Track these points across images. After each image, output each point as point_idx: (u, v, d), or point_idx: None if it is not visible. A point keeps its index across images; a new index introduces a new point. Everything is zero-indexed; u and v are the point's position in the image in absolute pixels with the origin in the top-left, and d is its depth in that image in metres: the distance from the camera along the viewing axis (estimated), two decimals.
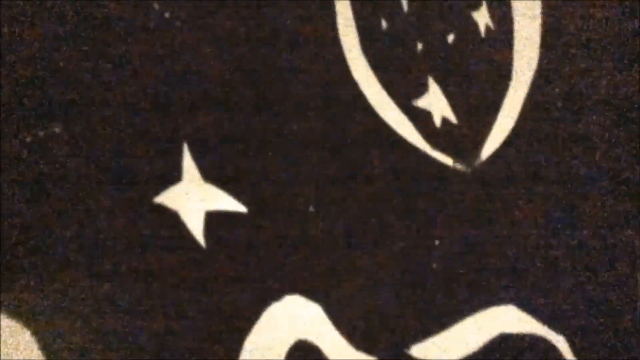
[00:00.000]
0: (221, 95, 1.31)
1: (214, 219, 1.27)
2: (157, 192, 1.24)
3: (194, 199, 1.26)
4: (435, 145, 1.49)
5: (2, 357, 1.10)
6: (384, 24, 1.47)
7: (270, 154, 1.35)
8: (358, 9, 1.45)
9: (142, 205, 1.23)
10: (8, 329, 1.11)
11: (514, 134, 1.58)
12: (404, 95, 1.48)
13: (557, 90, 1.62)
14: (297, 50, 1.39)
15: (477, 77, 1.55)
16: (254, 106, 1.34)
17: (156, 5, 1.26)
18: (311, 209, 1.37)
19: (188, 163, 1.26)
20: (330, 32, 1.43)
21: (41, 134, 1.16)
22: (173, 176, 1.25)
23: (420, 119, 1.49)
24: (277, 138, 1.36)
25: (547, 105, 1.61)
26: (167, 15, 1.26)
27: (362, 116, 1.45)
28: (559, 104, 1.62)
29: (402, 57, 1.48)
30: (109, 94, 1.21)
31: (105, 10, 1.22)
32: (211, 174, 1.28)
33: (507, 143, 1.57)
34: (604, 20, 1.66)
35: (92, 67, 1.20)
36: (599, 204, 1.64)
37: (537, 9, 1.61)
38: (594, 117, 1.67)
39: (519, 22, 1.60)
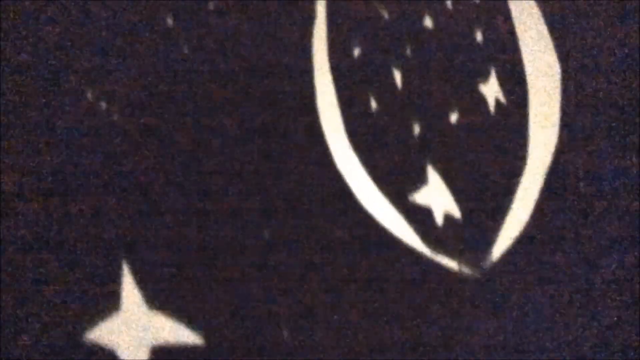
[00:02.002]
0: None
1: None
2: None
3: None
4: (436, 247, 1.24)
5: None
6: (373, 103, 1.22)
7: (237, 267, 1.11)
8: (341, 85, 1.21)
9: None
10: None
11: (529, 228, 1.32)
12: (399, 189, 1.23)
13: (579, 175, 1.36)
14: (270, 136, 1.16)
15: (486, 163, 1.29)
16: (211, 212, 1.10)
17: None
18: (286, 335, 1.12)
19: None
20: (308, 113, 1.19)
21: None
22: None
23: (419, 216, 1.24)
24: (245, 248, 1.12)
25: (567, 194, 1.36)
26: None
27: (348, 215, 1.20)
28: (582, 191, 1.37)
29: (396, 143, 1.23)
30: None
31: None
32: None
33: (522, 240, 1.32)
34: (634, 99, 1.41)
35: None
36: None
37: (556, 80, 1.35)
38: (621, 202, 1.41)
39: (534, 95, 1.35)
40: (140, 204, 1.06)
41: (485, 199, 1.29)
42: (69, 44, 1.04)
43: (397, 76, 1.24)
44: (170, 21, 1.10)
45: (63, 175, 1.04)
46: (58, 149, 1.04)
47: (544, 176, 1.34)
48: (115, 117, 1.07)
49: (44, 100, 1.03)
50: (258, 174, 1.16)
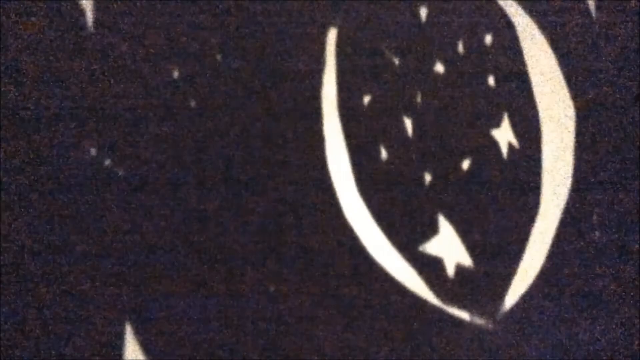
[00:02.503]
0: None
1: None
2: None
3: None
4: (448, 298, 1.22)
5: None
6: (383, 152, 1.20)
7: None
8: (351, 133, 1.18)
9: None
10: None
11: (543, 275, 1.30)
12: (409, 239, 1.20)
13: (592, 220, 1.34)
14: (277, 186, 1.13)
15: (498, 210, 1.27)
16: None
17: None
18: None
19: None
20: (316, 162, 1.16)
21: None
22: None
23: (430, 267, 1.21)
24: (251, 300, 1.10)
25: (581, 240, 1.33)
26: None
27: (357, 265, 1.18)
28: (596, 234, 1.34)
29: (406, 192, 1.21)
30: None
31: None
32: None
33: (535, 287, 1.29)
34: None
35: None
36: None
37: (570, 123, 1.33)
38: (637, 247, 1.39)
39: (548, 138, 1.32)
40: (145, 265, 1.03)
41: (497, 247, 1.26)
42: (71, 99, 1.02)
43: (408, 123, 1.22)
44: (176, 73, 1.08)
45: (65, 235, 1.02)
46: (60, 203, 1.02)
47: (558, 222, 1.31)
48: (120, 172, 1.04)
49: (46, 154, 1.01)
50: (265, 225, 1.14)
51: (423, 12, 1.24)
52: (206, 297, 1.05)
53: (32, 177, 1.01)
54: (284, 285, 1.13)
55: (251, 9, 1.14)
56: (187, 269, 1.05)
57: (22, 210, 1.00)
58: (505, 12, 1.30)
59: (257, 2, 1.14)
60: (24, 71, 1.01)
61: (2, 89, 0.99)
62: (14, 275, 0.99)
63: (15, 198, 1.00)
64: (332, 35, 1.19)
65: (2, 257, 0.98)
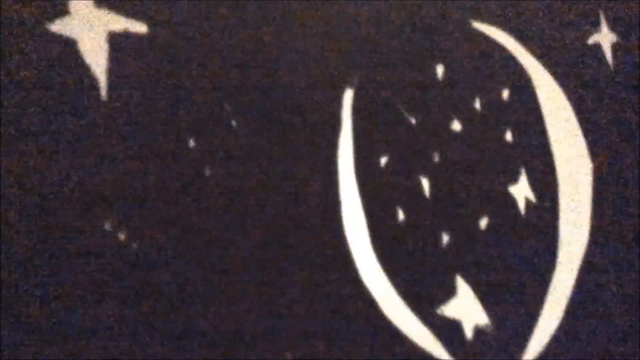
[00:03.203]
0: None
1: None
2: None
3: None
4: None
5: None
6: (400, 214, 1.18)
7: None
8: (367, 194, 1.17)
9: None
10: None
11: (560, 332, 1.28)
12: (427, 302, 1.19)
13: (609, 276, 1.32)
14: (293, 248, 1.11)
15: (515, 268, 1.25)
16: None
17: None
18: None
19: None
20: (332, 225, 1.14)
21: None
22: None
23: (447, 330, 1.19)
24: None
25: (600, 293, 1.31)
26: None
27: (375, 329, 1.16)
28: (613, 290, 1.32)
29: (424, 254, 1.19)
30: None
31: None
32: None
33: (553, 344, 1.27)
34: None
35: None
36: None
37: (587, 177, 1.31)
38: None
39: (565, 192, 1.31)
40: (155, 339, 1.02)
41: (515, 307, 1.24)
42: (87, 171, 1.00)
43: (425, 183, 1.20)
44: (192, 142, 1.06)
45: (76, 307, 1.00)
46: (73, 275, 1.00)
47: (575, 278, 1.29)
48: (134, 245, 1.03)
49: (61, 227, 0.99)
50: (280, 287, 1.12)
51: (440, 70, 1.23)
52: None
53: (47, 248, 0.99)
54: (301, 349, 1.12)
55: (267, 71, 1.12)
56: (204, 345, 1.03)
57: (32, 279, 0.99)
58: (522, 65, 1.29)
59: (272, 65, 1.12)
60: (38, 142, 0.99)
61: (18, 158, 0.98)
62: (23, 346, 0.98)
63: (29, 266, 0.98)
64: (348, 96, 1.17)
65: (11, 325, 0.97)
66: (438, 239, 1.20)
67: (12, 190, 0.97)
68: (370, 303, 1.16)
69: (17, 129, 0.98)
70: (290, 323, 1.11)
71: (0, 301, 0.95)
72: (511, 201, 1.26)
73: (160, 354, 1.00)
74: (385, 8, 1.20)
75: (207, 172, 1.07)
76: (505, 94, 1.27)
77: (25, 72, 0.98)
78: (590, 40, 1.33)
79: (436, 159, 1.21)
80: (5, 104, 0.98)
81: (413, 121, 1.20)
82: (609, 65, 1.34)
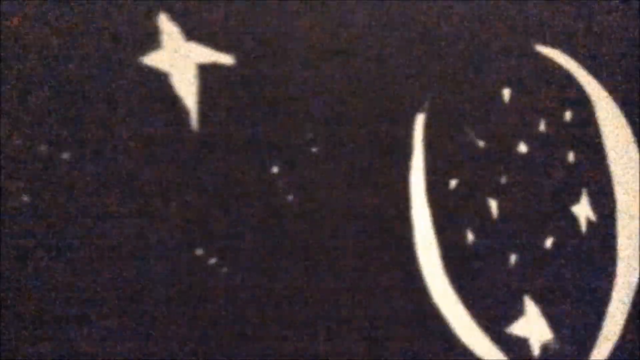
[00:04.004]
0: None
1: None
2: None
3: None
4: None
5: None
6: (470, 236, 1.21)
7: None
8: (438, 217, 1.20)
9: None
10: None
11: (619, 347, 1.31)
12: (496, 321, 1.22)
13: None
14: (365, 270, 1.15)
15: (578, 285, 1.28)
16: None
17: None
18: None
19: None
20: (404, 246, 1.18)
21: None
22: None
23: (516, 348, 1.23)
24: None
25: None
26: None
27: (445, 348, 1.19)
28: None
29: (493, 274, 1.22)
30: None
31: None
32: None
33: (615, 356, 1.31)
34: None
35: None
36: None
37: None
38: None
39: (623, 208, 1.34)
40: None
41: (578, 322, 1.28)
42: (178, 197, 1.03)
43: (493, 205, 1.23)
44: (275, 169, 1.10)
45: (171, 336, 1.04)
46: (160, 301, 1.03)
47: (633, 293, 1.33)
48: (224, 270, 1.06)
49: (154, 255, 1.02)
50: (353, 311, 1.15)
51: (506, 93, 1.26)
52: None
53: (143, 274, 1.02)
54: None
55: (343, 99, 1.15)
56: None
57: (126, 301, 1.02)
58: (583, 87, 1.32)
59: (348, 93, 1.15)
60: (133, 172, 1.02)
61: (114, 186, 1.01)
62: None
63: (116, 301, 1.01)
64: (419, 120, 1.20)
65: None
66: (506, 259, 1.23)
67: (109, 222, 1.00)
68: (440, 322, 1.19)
69: (113, 159, 1.01)
70: (361, 340, 1.14)
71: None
72: (573, 221, 1.29)
73: None
74: (453, 34, 1.23)
75: (290, 198, 1.10)
76: (568, 115, 1.30)
77: (120, 105, 1.01)
78: None
79: (503, 180, 1.24)
80: (100, 133, 1.01)
81: (481, 144, 1.23)
82: None
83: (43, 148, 0.95)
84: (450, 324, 1.19)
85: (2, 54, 0.95)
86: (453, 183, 1.21)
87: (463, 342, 1.20)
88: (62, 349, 0.99)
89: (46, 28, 0.98)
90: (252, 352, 1.06)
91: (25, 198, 0.94)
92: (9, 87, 0.96)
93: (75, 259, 0.98)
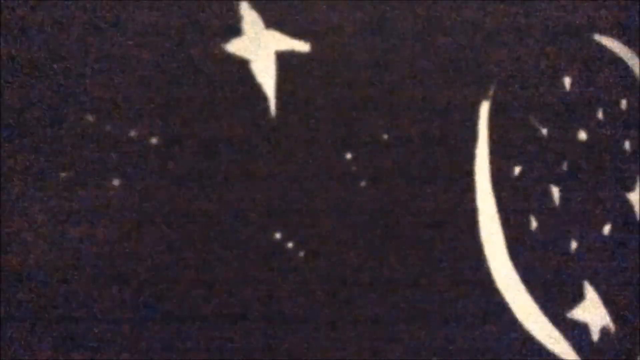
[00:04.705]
0: None
1: None
2: None
3: None
4: None
5: None
6: (533, 222, 1.23)
7: None
8: (502, 204, 1.21)
9: None
10: None
11: None
12: (557, 306, 1.24)
13: None
14: (430, 254, 1.16)
15: (632, 271, 1.30)
16: None
17: None
18: None
19: None
20: (469, 232, 1.19)
21: None
22: None
23: (576, 332, 1.24)
24: None
25: None
26: None
27: (508, 332, 1.21)
28: None
29: (555, 260, 1.24)
30: None
31: None
32: None
33: None
34: None
35: None
36: None
37: None
38: None
39: None
40: None
41: (636, 308, 1.30)
42: (257, 189, 1.05)
43: (555, 192, 1.25)
44: (349, 155, 1.11)
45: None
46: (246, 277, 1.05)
47: None
48: (300, 254, 1.07)
49: (232, 238, 1.03)
50: (414, 291, 1.17)
51: (567, 82, 1.27)
52: None
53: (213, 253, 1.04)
54: (431, 350, 1.17)
55: (411, 86, 1.16)
56: None
57: (201, 284, 1.03)
58: (637, 75, 1.33)
59: (416, 80, 1.17)
60: (212, 158, 1.03)
61: (192, 174, 1.02)
62: None
63: (199, 273, 1.03)
64: (484, 108, 1.21)
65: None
66: (567, 245, 1.25)
67: (190, 205, 1.01)
68: (502, 306, 1.21)
69: (188, 145, 1.03)
70: (420, 323, 1.16)
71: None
72: (630, 208, 1.31)
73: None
74: (517, 23, 1.25)
75: (363, 183, 1.12)
76: (624, 104, 1.31)
77: (200, 91, 1.03)
78: None
79: (564, 167, 1.26)
80: (180, 119, 1.02)
81: (544, 132, 1.25)
82: None
83: (133, 134, 0.96)
84: (513, 309, 1.21)
85: (96, 40, 0.96)
86: (517, 170, 1.23)
87: (525, 327, 1.22)
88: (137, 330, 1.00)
89: (132, 14, 0.99)
90: (328, 335, 1.07)
91: (116, 182, 0.95)
92: (97, 73, 0.97)
93: (161, 239, 0.99)
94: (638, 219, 1.32)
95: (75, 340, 0.98)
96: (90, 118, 0.94)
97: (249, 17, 1.04)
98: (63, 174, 0.94)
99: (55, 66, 0.95)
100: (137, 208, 0.97)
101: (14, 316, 0.97)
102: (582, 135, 1.28)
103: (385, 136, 1.14)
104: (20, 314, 0.97)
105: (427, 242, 1.17)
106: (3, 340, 0.97)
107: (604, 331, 1.26)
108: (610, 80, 1.31)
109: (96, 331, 0.97)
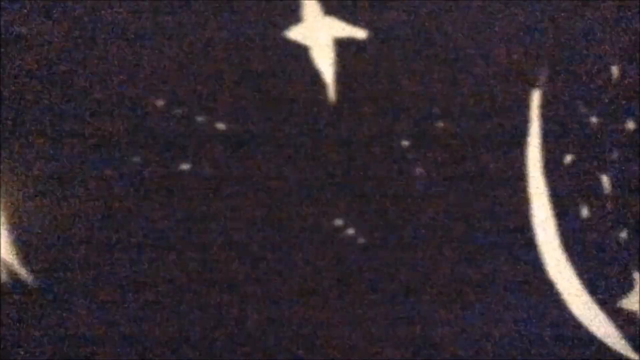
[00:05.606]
0: None
1: None
2: None
3: None
4: None
5: None
6: (584, 211, 1.23)
7: None
8: (554, 193, 1.22)
9: None
10: None
11: None
12: (609, 295, 1.24)
13: None
14: (482, 243, 1.17)
15: None
16: None
17: None
18: None
19: None
20: (521, 221, 1.20)
21: None
22: None
23: (626, 321, 1.25)
24: None
25: None
26: None
27: (558, 320, 1.21)
28: None
29: (605, 250, 1.24)
30: None
31: None
32: None
33: None
34: None
35: None
36: None
37: None
38: None
39: None
40: None
41: None
42: (318, 170, 1.05)
43: (606, 181, 1.25)
44: (405, 143, 1.11)
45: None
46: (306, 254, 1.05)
47: None
48: (361, 241, 1.08)
49: (296, 223, 1.04)
50: (463, 282, 1.17)
51: (615, 71, 1.27)
52: None
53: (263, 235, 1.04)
54: (485, 340, 1.17)
55: (465, 75, 1.17)
56: None
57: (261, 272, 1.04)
58: None
59: (469, 70, 1.17)
60: (268, 144, 1.04)
61: (243, 160, 1.02)
62: None
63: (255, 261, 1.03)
64: (536, 97, 1.22)
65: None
66: (618, 234, 1.25)
67: (249, 191, 1.02)
68: (555, 295, 1.21)
69: (248, 132, 1.03)
70: (473, 314, 1.17)
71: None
72: None
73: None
74: (564, 12, 1.25)
75: (418, 170, 1.12)
76: None
77: (261, 78, 1.03)
78: None
79: (614, 156, 1.26)
80: (240, 105, 1.03)
81: (594, 120, 1.25)
82: None
83: (200, 119, 0.96)
84: (565, 298, 1.21)
85: (156, 34, 0.96)
86: (568, 158, 1.23)
87: (576, 316, 1.22)
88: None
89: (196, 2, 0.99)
90: (389, 320, 1.07)
91: (185, 166, 0.95)
92: (169, 64, 0.98)
93: (224, 225, 1.00)
94: None
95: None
96: (160, 102, 0.95)
97: (309, 5, 1.05)
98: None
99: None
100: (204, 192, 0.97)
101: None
102: (630, 124, 1.28)
103: (441, 124, 1.14)
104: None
105: (479, 231, 1.17)
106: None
107: None
108: None
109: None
